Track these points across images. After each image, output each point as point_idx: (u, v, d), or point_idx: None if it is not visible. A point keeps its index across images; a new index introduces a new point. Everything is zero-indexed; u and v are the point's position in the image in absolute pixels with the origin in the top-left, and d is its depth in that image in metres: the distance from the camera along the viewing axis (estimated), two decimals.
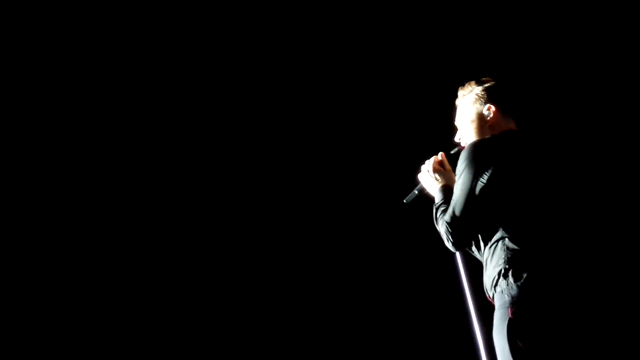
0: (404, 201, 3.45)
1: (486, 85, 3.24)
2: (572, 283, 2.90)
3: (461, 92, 3.29)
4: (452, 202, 3.01)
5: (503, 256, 2.95)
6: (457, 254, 3.48)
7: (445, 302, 4.54)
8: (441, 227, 3.04)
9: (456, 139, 3.30)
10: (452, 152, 3.34)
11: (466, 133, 3.25)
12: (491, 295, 3.00)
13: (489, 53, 5.22)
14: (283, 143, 5.59)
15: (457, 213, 2.97)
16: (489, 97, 3.21)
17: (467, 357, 3.63)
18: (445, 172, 3.29)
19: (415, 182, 3.39)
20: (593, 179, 3.12)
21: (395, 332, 5.18)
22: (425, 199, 3.36)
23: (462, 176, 2.99)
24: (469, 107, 3.24)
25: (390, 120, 5.45)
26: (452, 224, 2.98)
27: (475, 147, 3.03)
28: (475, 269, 3.17)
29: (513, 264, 2.92)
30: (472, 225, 2.98)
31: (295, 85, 5.55)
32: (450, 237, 2.99)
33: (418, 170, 3.37)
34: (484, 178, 2.95)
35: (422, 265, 5.17)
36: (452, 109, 3.33)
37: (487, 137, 3.14)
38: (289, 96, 5.57)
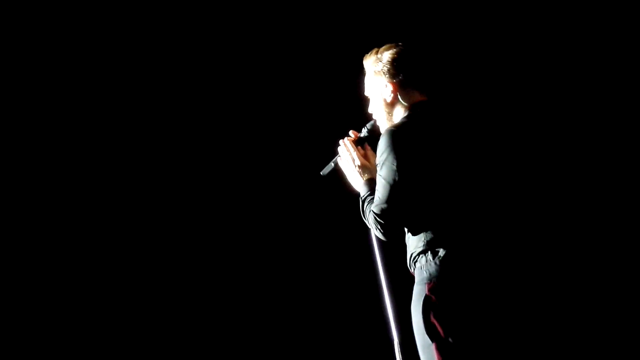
0: (321, 174, 3.44)
1: (386, 57, 3.18)
2: (487, 264, 2.98)
3: (365, 62, 3.25)
4: (378, 194, 3.02)
5: (423, 237, 3.01)
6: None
7: (358, 276, 4.57)
8: (370, 219, 3.06)
9: (369, 111, 3.28)
10: (362, 134, 3.32)
11: (377, 109, 3.23)
12: (412, 270, 3.07)
13: (392, 16, 5.20)
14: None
15: (384, 203, 2.98)
16: (390, 70, 3.16)
17: (377, 330, 3.67)
18: (369, 164, 3.27)
19: (334, 153, 3.38)
20: (501, 158, 3.19)
21: (306, 305, 5.20)
22: (340, 173, 3.37)
23: (384, 166, 3.00)
24: (374, 79, 3.20)
25: (299, 94, 5.40)
26: (381, 215, 2.99)
27: (392, 135, 3.02)
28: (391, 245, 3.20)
29: (432, 243, 2.99)
30: (400, 214, 3.00)
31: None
32: (380, 227, 3.01)
33: (336, 144, 3.36)
34: (405, 165, 2.98)
35: (334, 239, 5.19)
36: (361, 76, 3.30)
37: (398, 117, 3.15)
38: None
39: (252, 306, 5.25)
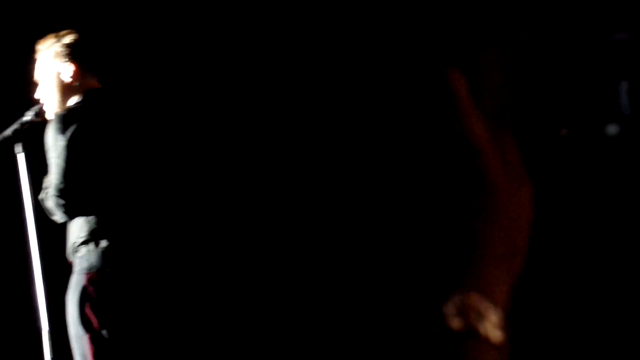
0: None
1: (66, 41, 3.14)
2: (146, 260, 3.03)
3: (40, 47, 3.17)
4: (54, 176, 2.96)
5: (86, 227, 2.99)
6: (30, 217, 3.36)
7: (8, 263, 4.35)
8: (50, 203, 3.00)
9: (36, 96, 3.20)
10: (27, 118, 3.22)
11: (48, 93, 3.16)
12: (72, 260, 3.02)
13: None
14: None
15: (62, 183, 2.94)
16: (69, 54, 3.13)
17: (26, 318, 3.55)
18: None
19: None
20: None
21: None
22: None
23: (57, 148, 2.95)
24: (49, 64, 3.14)
25: None
26: (60, 195, 2.94)
27: (64, 119, 2.99)
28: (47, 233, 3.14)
29: (95, 234, 2.97)
30: (77, 192, 2.96)
31: None
32: (62, 207, 2.96)
33: None
34: (75, 148, 2.95)
35: None
36: (31, 63, 3.22)
37: (71, 102, 3.10)
38: None
39: None
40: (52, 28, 3.22)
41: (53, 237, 3.14)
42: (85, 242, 2.98)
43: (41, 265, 3.28)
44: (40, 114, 3.18)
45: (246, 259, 3.80)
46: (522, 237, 2.00)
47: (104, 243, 2.96)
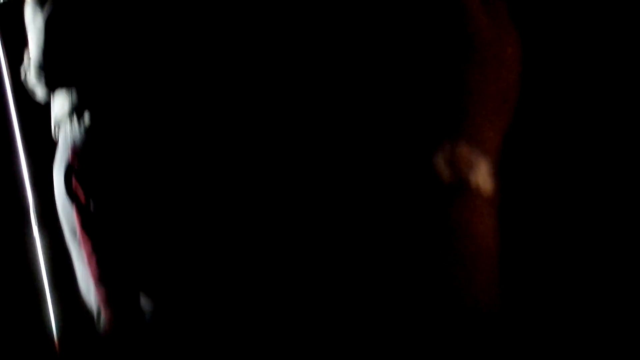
0: None
1: None
2: (134, 133, 3.02)
3: None
4: (34, 54, 2.94)
5: (68, 100, 2.97)
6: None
7: None
8: (32, 75, 2.98)
9: None
10: None
11: None
12: (56, 134, 3.02)
13: None
14: None
15: (40, 62, 2.92)
16: None
17: (13, 194, 3.57)
18: None
19: None
20: None
21: None
22: None
23: (35, 27, 2.92)
24: None
25: None
26: (39, 69, 2.93)
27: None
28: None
29: (77, 107, 2.95)
30: (56, 67, 2.93)
31: None
32: (39, 83, 2.95)
33: None
34: (54, 25, 2.90)
35: None
36: None
37: None
38: None
39: None
40: None
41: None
42: (68, 115, 2.97)
43: (23, 139, 3.30)
44: None
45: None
46: (512, 88, 2.01)
47: (87, 115, 2.96)
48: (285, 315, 3.14)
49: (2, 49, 3.17)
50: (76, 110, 2.95)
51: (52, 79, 2.95)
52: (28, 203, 3.27)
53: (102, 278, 2.95)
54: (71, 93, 2.96)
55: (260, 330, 3.20)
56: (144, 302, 3.07)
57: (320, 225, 2.71)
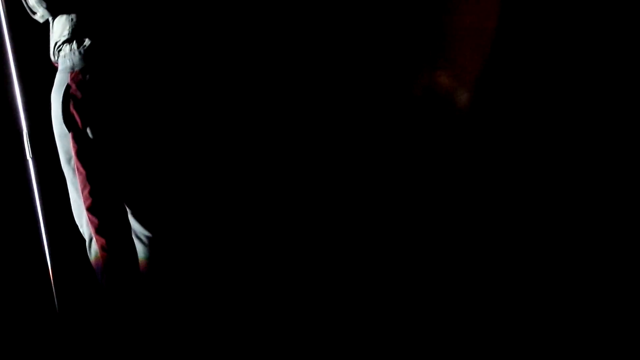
0: None
1: None
2: (132, 59, 2.99)
3: None
4: None
5: (69, 25, 2.92)
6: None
7: None
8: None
9: None
10: None
11: None
12: (55, 60, 2.98)
13: None
14: None
15: None
16: None
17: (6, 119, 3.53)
18: None
19: None
20: None
21: None
22: None
23: None
24: None
25: None
26: None
27: None
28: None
29: (79, 32, 2.91)
30: None
31: None
32: (39, 5, 2.91)
33: None
34: None
35: None
36: None
37: None
38: None
39: None
40: None
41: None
42: (68, 41, 2.93)
43: (16, 65, 3.25)
44: None
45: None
46: (490, 17, 1.99)
47: (87, 42, 2.92)
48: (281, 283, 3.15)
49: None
50: (77, 36, 2.91)
51: (54, 3, 2.91)
52: (21, 128, 3.24)
53: (95, 207, 2.93)
54: (72, 19, 2.91)
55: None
56: (135, 233, 3.06)
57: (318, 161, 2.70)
